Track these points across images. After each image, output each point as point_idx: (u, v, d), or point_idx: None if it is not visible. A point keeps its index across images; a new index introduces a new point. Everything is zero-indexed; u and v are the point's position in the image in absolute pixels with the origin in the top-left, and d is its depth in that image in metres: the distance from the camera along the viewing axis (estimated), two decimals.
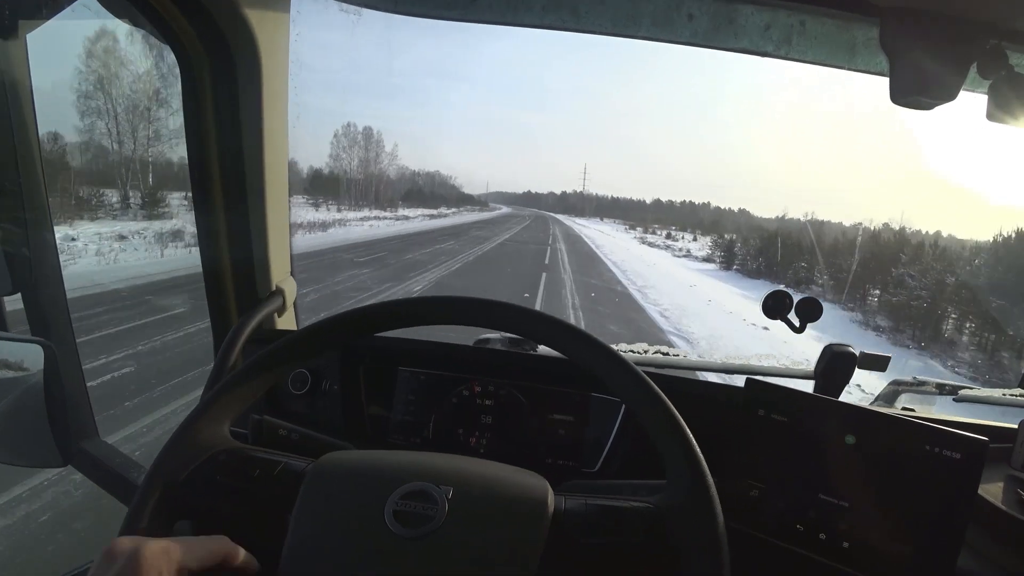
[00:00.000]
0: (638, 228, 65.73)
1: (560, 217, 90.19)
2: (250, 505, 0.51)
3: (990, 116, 0.84)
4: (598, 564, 0.48)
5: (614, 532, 0.48)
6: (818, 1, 0.84)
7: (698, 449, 0.50)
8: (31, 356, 0.80)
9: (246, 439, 0.71)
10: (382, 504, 0.48)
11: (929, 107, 0.85)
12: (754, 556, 0.65)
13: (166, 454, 0.52)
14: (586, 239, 33.58)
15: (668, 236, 51.59)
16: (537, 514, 0.48)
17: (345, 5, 0.95)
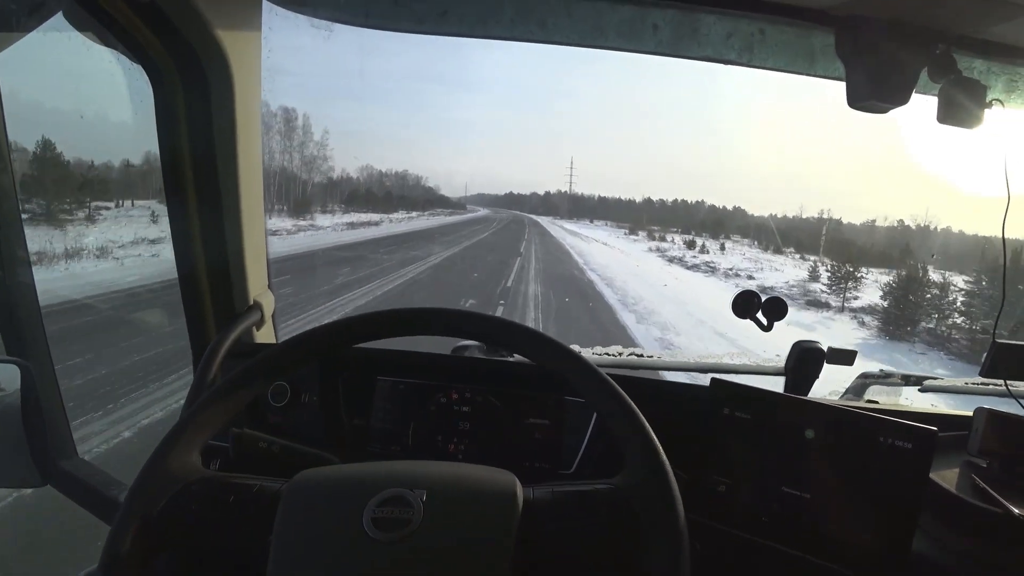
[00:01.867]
0: (640, 232, 47.72)
1: (542, 220, 68.29)
2: (229, 532, 0.52)
3: (941, 119, 0.87)
4: (568, 547, 0.50)
5: (580, 515, 0.51)
6: (777, 11, 0.87)
7: (653, 434, 0.54)
8: (7, 376, 0.80)
9: (227, 453, 0.72)
10: (360, 513, 0.49)
11: (883, 111, 0.88)
12: (723, 549, 0.68)
13: (139, 486, 0.51)
14: (588, 272, 15.88)
15: (691, 246, 33.70)
16: (508, 506, 0.50)
17: (316, 21, 0.96)
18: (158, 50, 0.82)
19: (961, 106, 0.85)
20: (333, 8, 0.96)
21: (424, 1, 0.93)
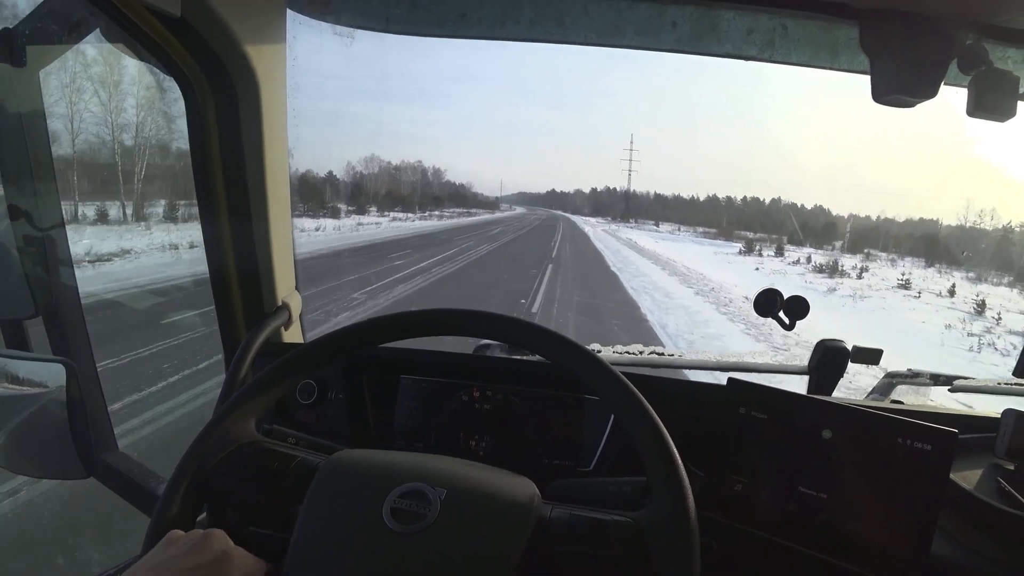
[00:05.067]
0: (763, 251, 27.36)
1: (589, 228, 44.04)
2: (266, 494, 0.56)
3: (971, 111, 0.85)
4: (576, 572, 0.51)
5: (594, 544, 0.51)
6: (798, 5, 0.86)
7: (683, 470, 0.53)
8: (54, 374, 0.85)
9: None
10: (381, 501, 0.52)
11: (910, 105, 0.86)
12: (739, 548, 0.68)
13: (200, 442, 0.58)
14: None
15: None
16: (521, 520, 0.52)
17: (339, 28, 0.99)
18: (188, 62, 0.85)
19: (993, 98, 0.82)
20: (354, 14, 0.98)
21: (443, 4, 0.95)
